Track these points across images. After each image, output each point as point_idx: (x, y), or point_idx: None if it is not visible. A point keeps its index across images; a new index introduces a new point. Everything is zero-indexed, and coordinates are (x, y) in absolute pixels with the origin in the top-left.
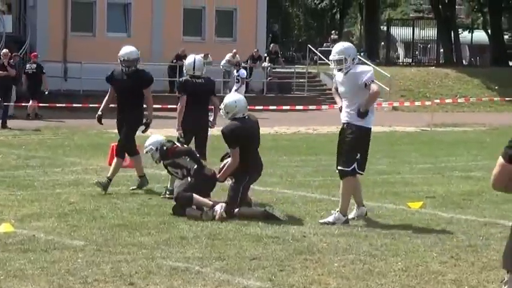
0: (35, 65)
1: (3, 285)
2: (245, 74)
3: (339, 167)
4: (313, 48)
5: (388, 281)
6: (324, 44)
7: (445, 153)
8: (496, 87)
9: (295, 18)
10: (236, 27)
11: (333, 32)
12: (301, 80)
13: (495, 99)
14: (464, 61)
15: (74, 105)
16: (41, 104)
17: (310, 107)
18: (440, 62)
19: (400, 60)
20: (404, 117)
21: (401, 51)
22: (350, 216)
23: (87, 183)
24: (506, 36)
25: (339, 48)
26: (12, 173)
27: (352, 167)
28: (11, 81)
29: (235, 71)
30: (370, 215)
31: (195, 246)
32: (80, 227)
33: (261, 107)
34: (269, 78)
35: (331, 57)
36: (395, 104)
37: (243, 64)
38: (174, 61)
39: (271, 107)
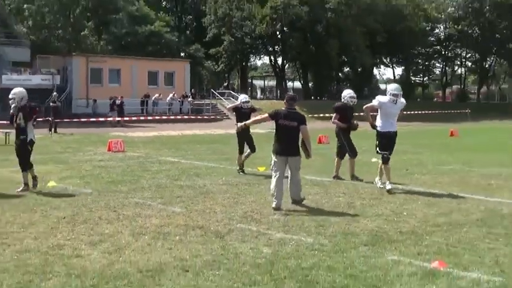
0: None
1: None
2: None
3: (390, 155)
4: (214, 91)
5: None
6: (219, 89)
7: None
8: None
9: (205, 77)
10: (175, 81)
11: (226, 82)
12: (207, 107)
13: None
14: None
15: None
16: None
17: (210, 116)
18: None
19: None
20: None
21: None
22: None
23: (96, 159)
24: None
25: (398, 86)
26: (58, 155)
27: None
28: None
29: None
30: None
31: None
32: None
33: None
34: (191, 106)
35: (397, 92)
36: None
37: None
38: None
39: (192, 120)
